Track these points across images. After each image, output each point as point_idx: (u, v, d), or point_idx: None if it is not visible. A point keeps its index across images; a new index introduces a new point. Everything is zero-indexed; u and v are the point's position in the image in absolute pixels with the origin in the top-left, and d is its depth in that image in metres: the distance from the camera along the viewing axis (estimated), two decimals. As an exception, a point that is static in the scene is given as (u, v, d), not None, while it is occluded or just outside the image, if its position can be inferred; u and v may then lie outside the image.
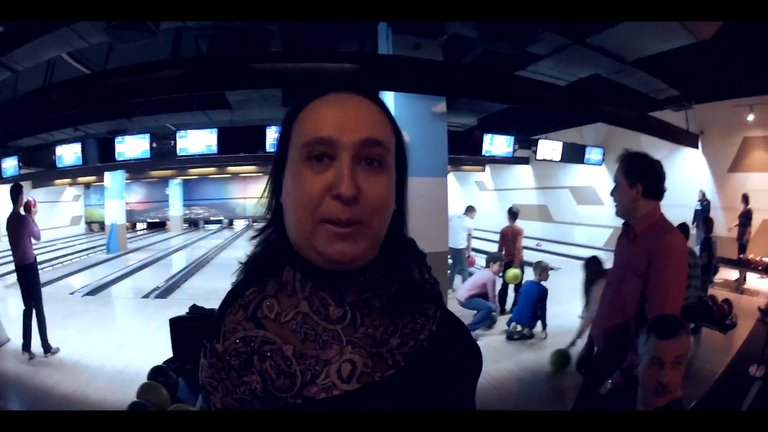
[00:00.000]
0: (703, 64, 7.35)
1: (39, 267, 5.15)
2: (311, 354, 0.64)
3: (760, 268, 6.86)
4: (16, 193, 4.79)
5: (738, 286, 7.10)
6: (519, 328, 5.32)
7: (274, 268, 0.69)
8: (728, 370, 4.08)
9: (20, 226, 4.75)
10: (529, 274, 5.70)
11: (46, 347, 4.73)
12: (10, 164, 8.85)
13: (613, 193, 2.13)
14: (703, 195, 9.37)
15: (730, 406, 3.24)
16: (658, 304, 1.89)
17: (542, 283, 5.38)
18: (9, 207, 4.80)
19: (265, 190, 0.72)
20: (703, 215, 7.50)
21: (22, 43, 5.27)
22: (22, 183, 5.29)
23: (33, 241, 4.84)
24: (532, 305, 5.26)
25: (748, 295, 6.20)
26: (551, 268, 5.77)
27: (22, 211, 4.81)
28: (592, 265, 4.45)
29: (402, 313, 0.71)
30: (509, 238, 6.55)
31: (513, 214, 6.74)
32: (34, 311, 4.76)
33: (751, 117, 8.23)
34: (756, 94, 7.97)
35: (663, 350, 1.51)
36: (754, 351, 4.24)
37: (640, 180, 2.03)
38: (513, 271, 6.24)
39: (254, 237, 0.74)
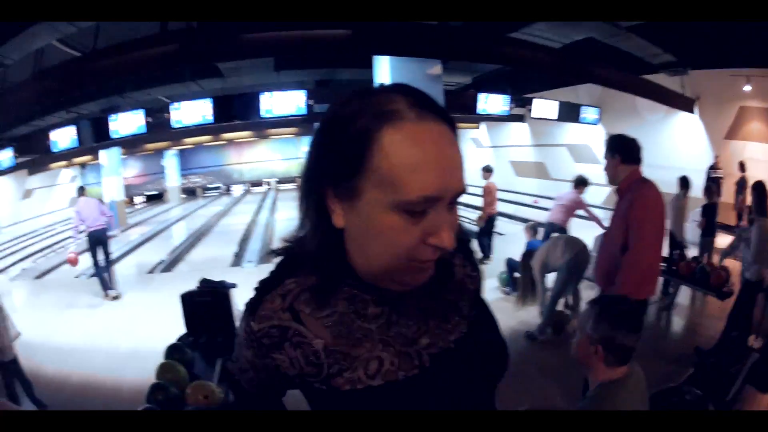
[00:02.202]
0: (699, 33, 7.29)
1: (42, 254, 5.53)
2: (341, 350, 0.67)
3: None
4: (81, 190, 6.58)
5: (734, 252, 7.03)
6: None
7: (321, 276, 0.67)
8: (723, 337, 3.94)
9: (94, 204, 6.34)
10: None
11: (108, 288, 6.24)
12: (6, 156, 8.76)
13: (604, 169, 2.73)
14: (717, 161, 8.78)
15: (727, 373, 3.12)
16: (636, 235, 2.45)
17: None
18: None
19: (303, 206, 0.67)
20: (707, 183, 7.34)
21: (10, 37, 5.15)
22: (17, 172, 6.04)
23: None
24: None
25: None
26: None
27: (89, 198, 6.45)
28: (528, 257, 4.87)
29: (436, 312, 0.72)
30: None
31: None
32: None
33: (747, 88, 8.11)
34: (753, 66, 7.83)
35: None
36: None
37: (618, 151, 2.63)
38: None
39: (282, 250, 0.73)
